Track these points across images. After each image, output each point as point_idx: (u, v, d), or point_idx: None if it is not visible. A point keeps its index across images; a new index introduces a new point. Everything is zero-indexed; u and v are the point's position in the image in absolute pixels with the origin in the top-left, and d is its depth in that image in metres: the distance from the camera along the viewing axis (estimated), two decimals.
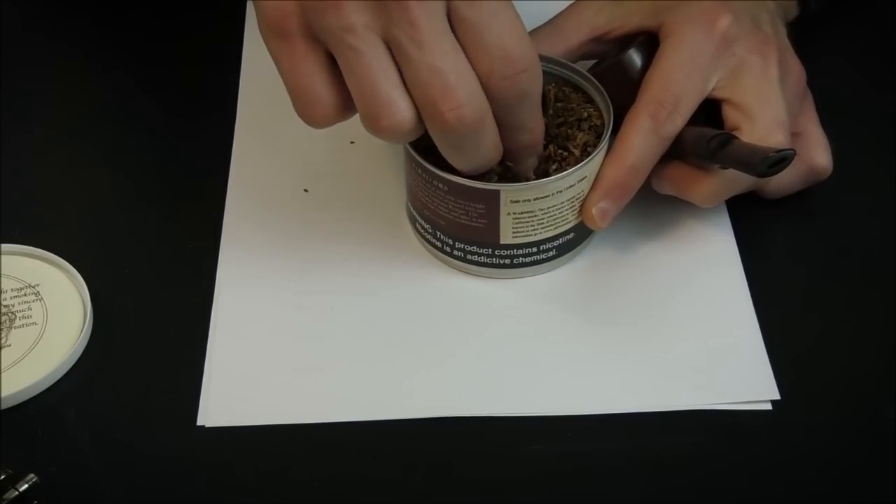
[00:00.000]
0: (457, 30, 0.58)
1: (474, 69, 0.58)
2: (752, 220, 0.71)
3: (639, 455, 0.62)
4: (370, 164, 0.75)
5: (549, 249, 0.68)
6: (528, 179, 0.65)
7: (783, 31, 0.71)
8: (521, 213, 0.65)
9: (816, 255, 0.71)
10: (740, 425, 0.63)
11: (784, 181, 0.70)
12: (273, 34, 0.59)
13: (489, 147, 0.61)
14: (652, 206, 0.71)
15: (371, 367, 0.66)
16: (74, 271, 0.69)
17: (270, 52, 0.59)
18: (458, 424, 0.63)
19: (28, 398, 0.64)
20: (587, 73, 0.69)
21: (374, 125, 0.59)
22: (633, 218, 0.70)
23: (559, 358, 0.66)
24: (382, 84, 0.58)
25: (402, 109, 0.58)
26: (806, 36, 0.73)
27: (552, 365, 0.66)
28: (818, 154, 0.70)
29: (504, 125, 0.61)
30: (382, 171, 0.75)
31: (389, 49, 0.58)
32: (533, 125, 0.63)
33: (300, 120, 0.77)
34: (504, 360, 0.66)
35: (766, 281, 0.69)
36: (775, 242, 0.72)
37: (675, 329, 0.67)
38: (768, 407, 0.64)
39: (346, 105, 0.60)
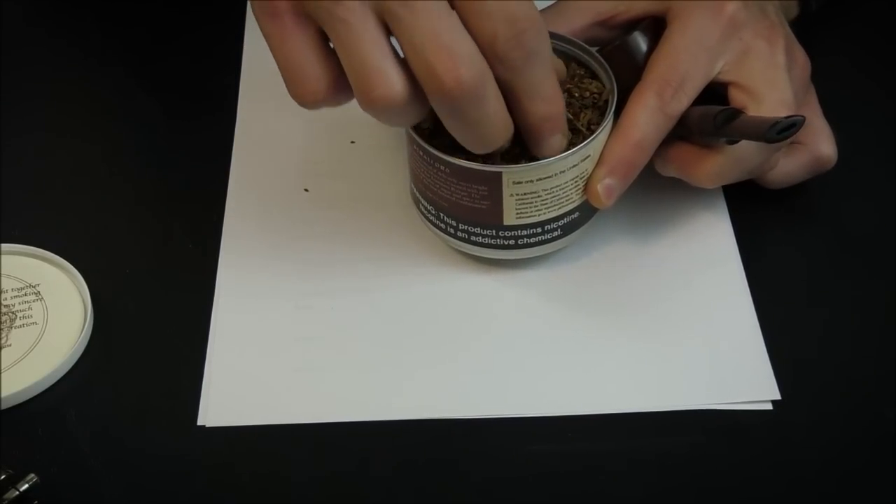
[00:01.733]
0: None
1: (475, 35, 0.57)
2: (752, 220, 0.71)
3: (639, 455, 0.62)
4: (370, 163, 0.75)
5: (554, 229, 0.67)
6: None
7: (787, 23, 0.71)
8: (525, 193, 0.65)
9: (817, 254, 0.71)
10: (740, 425, 0.63)
11: (789, 171, 0.70)
12: (264, 13, 0.58)
13: (494, 117, 0.59)
14: (652, 206, 0.71)
15: (371, 367, 0.66)
16: (75, 271, 0.69)
17: (263, 32, 0.59)
18: (457, 425, 0.63)
19: (28, 398, 0.64)
20: (591, 49, 0.68)
21: (366, 97, 0.57)
22: (634, 218, 0.70)
23: (560, 358, 0.66)
24: (373, 54, 0.57)
25: (393, 79, 0.57)
26: (806, 35, 0.73)
27: (553, 365, 0.66)
28: (823, 144, 0.70)
29: (517, 93, 0.59)
30: (383, 170, 0.75)
31: (383, 22, 0.57)
32: (548, 92, 0.60)
33: (301, 120, 0.78)
34: (504, 361, 0.66)
35: (766, 280, 0.69)
36: (775, 242, 0.71)
37: (675, 329, 0.67)
38: (769, 407, 0.64)
39: (339, 84, 0.59)
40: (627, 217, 0.70)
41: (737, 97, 0.67)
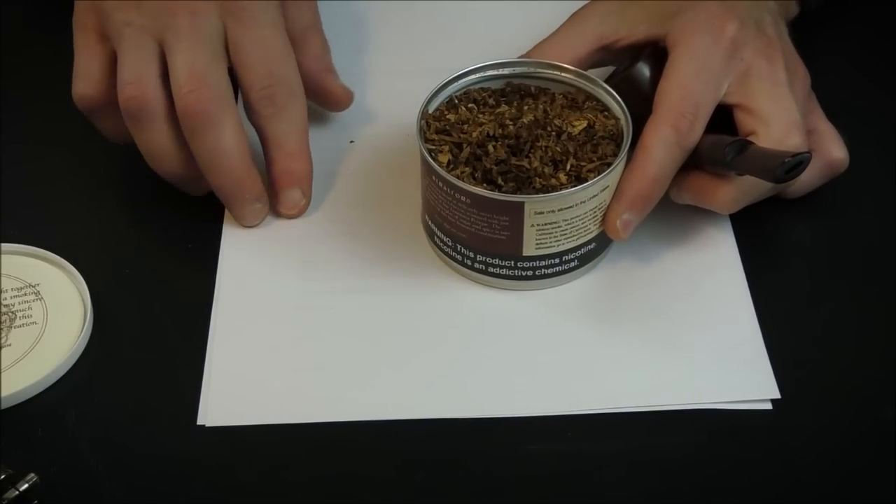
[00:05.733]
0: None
1: (241, 81, 0.70)
2: (753, 221, 0.71)
3: (639, 455, 0.62)
4: (370, 163, 0.75)
5: (571, 260, 0.68)
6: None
7: (785, 32, 0.71)
8: (545, 224, 0.65)
9: (817, 254, 0.71)
10: (740, 425, 0.63)
11: (804, 179, 0.70)
12: (77, 27, 0.72)
13: (158, 142, 0.69)
14: (652, 208, 0.71)
15: (371, 367, 0.66)
16: (74, 271, 0.69)
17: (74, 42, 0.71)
18: (457, 425, 0.63)
19: (28, 398, 0.64)
20: (603, 83, 0.69)
21: (121, 96, 0.68)
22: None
23: (560, 359, 0.66)
24: (138, 65, 0.68)
25: (87, 83, 0.70)
26: (806, 35, 0.73)
27: (553, 365, 0.66)
28: (834, 148, 0.70)
29: (265, 141, 0.71)
30: (383, 170, 0.75)
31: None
32: (292, 147, 0.70)
33: None
34: (505, 361, 0.66)
35: (766, 281, 0.69)
36: (776, 243, 0.72)
37: (676, 329, 0.67)
38: (769, 406, 0.64)
39: (110, 90, 0.69)
40: None
41: (744, 121, 0.67)
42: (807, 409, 0.64)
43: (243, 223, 0.71)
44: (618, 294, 0.69)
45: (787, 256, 0.71)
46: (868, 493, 0.61)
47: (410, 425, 0.63)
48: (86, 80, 0.70)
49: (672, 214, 0.71)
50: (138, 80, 0.68)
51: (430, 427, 0.63)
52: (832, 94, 0.73)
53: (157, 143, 0.69)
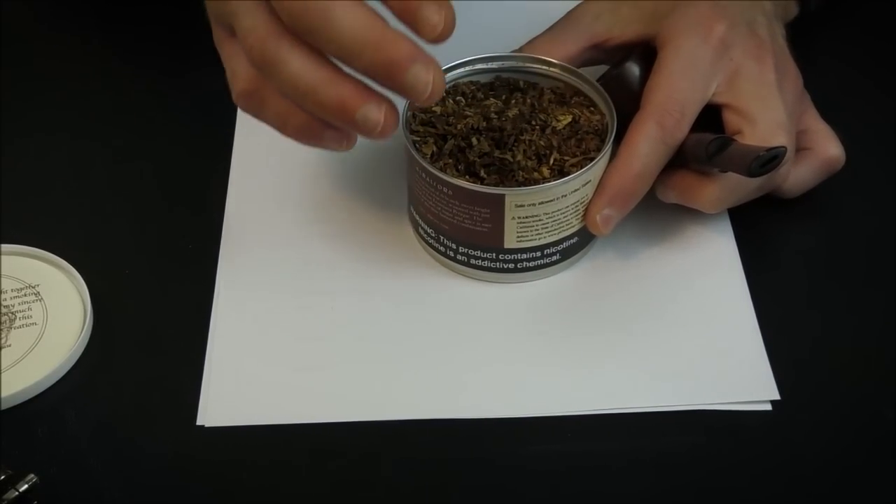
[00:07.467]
0: None
1: None
2: (752, 221, 0.71)
3: (639, 455, 0.62)
4: (371, 164, 0.75)
5: (553, 254, 0.68)
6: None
7: (780, 33, 0.71)
8: (526, 217, 0.65)
9: (816, 255, 0.71)
10: (740, 425, 0.63)
11: (802, 178, 0.70)
12: (216, 39, 0.64)
13: (299, 73, 0.58)
14: (652, 207, 0.70)
15: (371, 367, 0.66)
16: (74, 271, 0.69)
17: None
18: (458, 425, 0.63)
19: (28, 398, 0.64)
20: (590, 79, 0.69)
21: (246, 54, 0.60)
22: (634, 220, 0.70)
23: (560, 359, 0.66)
24: (247, 20, 0.60)
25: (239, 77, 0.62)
26: (805, 36, 0.73)
27: (553, 365, 0.66)
28: (830, 145, 0.70)
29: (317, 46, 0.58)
30: (383, 171, 0.75)
31: None
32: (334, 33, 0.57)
33: None
34: (504, 361, 0.66)
35: (766, 281, 0.69)
36: (775, 243, 0.72)
37: (675, 329, 0.67)
38: (768, 407, 0.64)
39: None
40: (629, 222, 0.69)
41: (731, 120, 0.67)
42: (806, 410, 0.64)
43: (420, 98, 0.58)
44: (616, 294, 0.69)
45: (786, 256, 0.71)
46: (867, 493, 0.61)
47: (411, 425, 0.63)
48: (238, 79, 0.62)
49: (671, 214, 0.71)
50: (251, 28, 0.58)
51: (430, 427, 0.63)
52: (832, 94, 0.73)
53: (298, 71, 0.58)
